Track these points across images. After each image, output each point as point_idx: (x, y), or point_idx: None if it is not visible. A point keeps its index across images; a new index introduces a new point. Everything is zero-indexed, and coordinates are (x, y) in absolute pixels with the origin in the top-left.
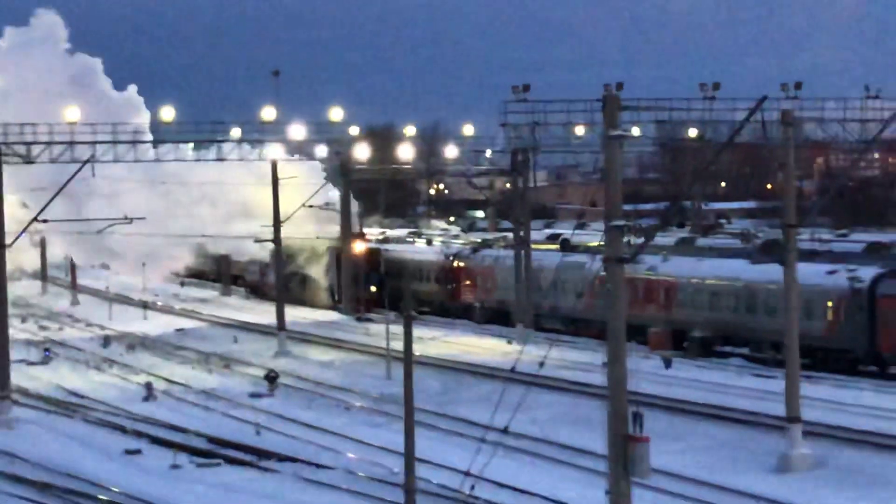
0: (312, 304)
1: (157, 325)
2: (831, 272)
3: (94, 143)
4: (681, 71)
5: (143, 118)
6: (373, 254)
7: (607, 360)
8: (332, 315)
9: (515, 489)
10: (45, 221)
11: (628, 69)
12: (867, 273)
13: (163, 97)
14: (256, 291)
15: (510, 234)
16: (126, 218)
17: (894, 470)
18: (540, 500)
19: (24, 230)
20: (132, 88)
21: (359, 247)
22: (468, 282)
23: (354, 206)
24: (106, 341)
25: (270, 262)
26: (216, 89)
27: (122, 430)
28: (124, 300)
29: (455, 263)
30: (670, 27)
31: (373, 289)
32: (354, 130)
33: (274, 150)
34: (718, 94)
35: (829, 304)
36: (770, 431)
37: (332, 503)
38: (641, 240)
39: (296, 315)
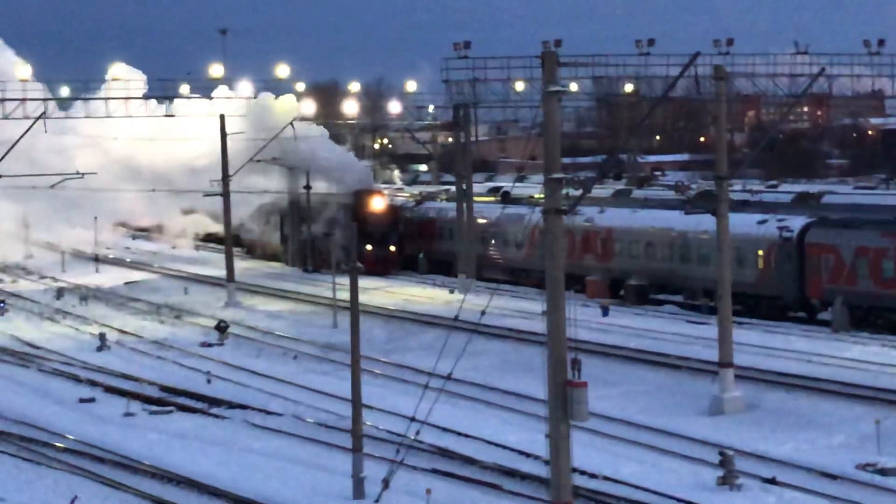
0: (318, 267)
1: (109, 277)
2: (762, 222)
3: (46, 99)
4: (617, 28)
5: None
6: (392, 211)
7: (547, 309)
8: (279, 267)
9: (459, 433)
10: None
11: (566, 26)
12: (796, 222)
13: (111, 54)
14: (253, 251)
15: (452, 188)
16: (78, 173)
17: (821, 411)
18: (483, 444)
19: None
20: None
21: (377, 203)
22: (412, 233)
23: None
24: (59, 293)
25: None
26: (164, 47)
27: (77, 379)
28: (77, 253)
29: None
30: None
31: (392, 248)
32: (300, 87)
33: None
34: (653, 50)
35: (760, 252)
36: (703, 375)
37: (281, 448)
38: (579, 192)
39: (244, 266)
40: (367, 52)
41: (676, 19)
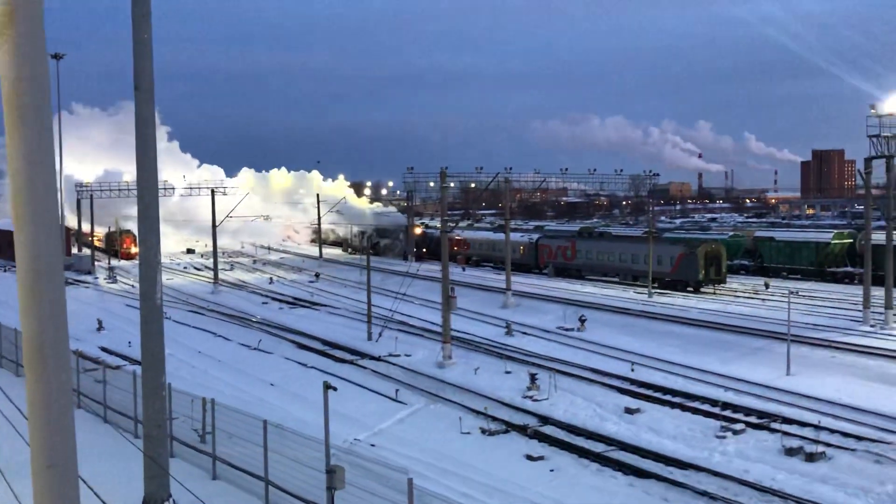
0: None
1: None
2: (523, 235)
3: None
4: (474, 154)
5: None
6: (423, 234)
7: (441, 268)
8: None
9: None
10: None
11: (457, 153)
12: (535, 236)
13: None
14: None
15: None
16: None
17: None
18: None
19: None
20: None
21: (417, 231)
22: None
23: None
24: None
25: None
26: None
27: None
28: None
29: None
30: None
31: (424, 250)
32: None
33: None
34: (486, 168)
35: (521, 247)
36: (501, 292)
37: None
38: (454, 224)
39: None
40: None
41: (499, 151)
